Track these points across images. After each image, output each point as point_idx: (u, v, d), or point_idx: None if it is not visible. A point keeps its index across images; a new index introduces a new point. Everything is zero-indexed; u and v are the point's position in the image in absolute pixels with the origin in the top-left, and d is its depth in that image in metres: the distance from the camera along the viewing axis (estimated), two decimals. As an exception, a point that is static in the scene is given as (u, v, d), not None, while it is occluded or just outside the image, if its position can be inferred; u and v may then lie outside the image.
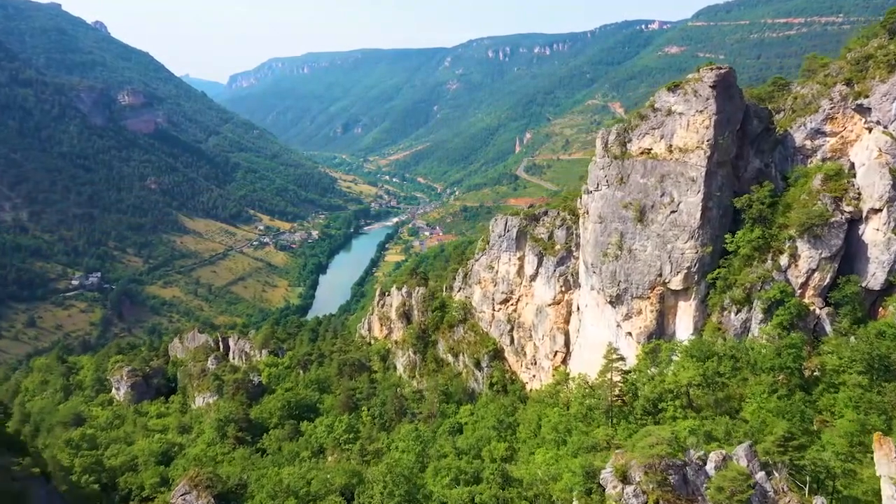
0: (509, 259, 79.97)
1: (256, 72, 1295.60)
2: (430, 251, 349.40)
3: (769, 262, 54.43)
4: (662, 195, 58.82)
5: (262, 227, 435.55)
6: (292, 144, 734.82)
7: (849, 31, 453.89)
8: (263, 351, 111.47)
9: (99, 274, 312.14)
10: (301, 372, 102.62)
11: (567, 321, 73.16)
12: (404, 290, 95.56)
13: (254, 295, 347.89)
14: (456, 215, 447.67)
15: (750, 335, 54.59)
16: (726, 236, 57.08)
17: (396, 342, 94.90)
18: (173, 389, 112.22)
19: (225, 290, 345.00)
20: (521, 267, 78.92)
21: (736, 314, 55.36)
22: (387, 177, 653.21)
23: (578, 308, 71.24)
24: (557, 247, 73.85)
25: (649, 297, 60.74)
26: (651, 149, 60.54)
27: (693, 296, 58.58)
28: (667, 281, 59.19)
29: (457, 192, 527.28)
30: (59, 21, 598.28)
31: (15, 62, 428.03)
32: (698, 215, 56.73)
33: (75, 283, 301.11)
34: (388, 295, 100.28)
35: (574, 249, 72.04)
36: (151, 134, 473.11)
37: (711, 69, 57.12)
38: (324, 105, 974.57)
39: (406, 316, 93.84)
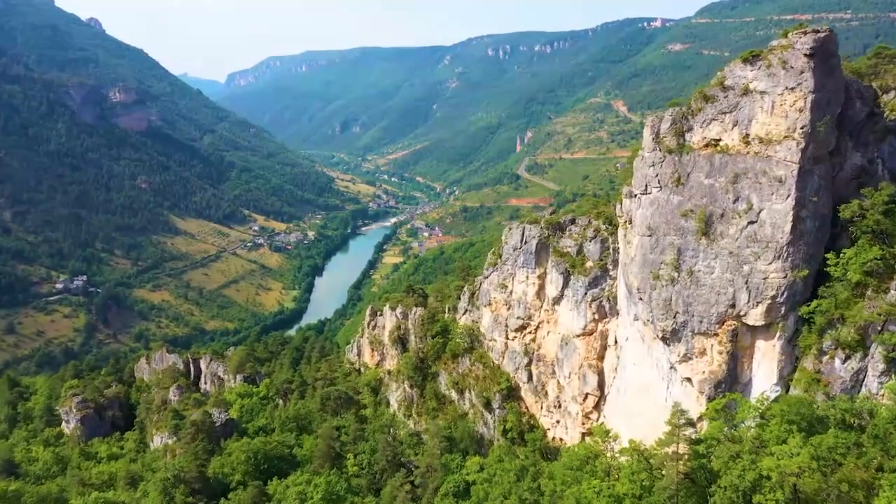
0: (527, 277, 65.12)
1: (255, 70, 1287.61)
2: (430, 253, 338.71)
3: (892, 292, 40.03)
4: (736, 200, 44.31)
5: (256, 228, 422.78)
6: (290, 143, 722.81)
7: (857, 27, 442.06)
8: (238, 376, 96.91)
9: (84, 277, 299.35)
10: (280, 402, 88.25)
11: (601, 357, 58.58)
12: (399, 310, 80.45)
13: (247, 298, 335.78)
14: (456, 215, 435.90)
15: (864, 391, 40.28)
16: (828, 256, 42.65)
17: (390, 372, 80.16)
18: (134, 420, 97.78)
19: (217, 294, 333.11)
20: (541, 287, 64.08)
21: (843, 362, 40.94)
22: (385, 176, 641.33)
23: (616, 342, 56.78)
24: (589, 264, 59.01)
25: (717, 335, 46.26)
26: (720, 139, 45.99)
27: (778, 334, 44.10)
28: (742, 313, 44.72)
29: (457, 192, 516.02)
30: (51, 17, 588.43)
31: (2, 58, 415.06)
32: (787, 228, 42.14)
33: (59, 286, 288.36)
34: (381, 315, 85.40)
35: (611, 268, 57.30)
36: (144, 132, 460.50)
37: (806, 32, 42.58)
38: (322, 104, 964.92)
39: (401, 341, 78.97)
